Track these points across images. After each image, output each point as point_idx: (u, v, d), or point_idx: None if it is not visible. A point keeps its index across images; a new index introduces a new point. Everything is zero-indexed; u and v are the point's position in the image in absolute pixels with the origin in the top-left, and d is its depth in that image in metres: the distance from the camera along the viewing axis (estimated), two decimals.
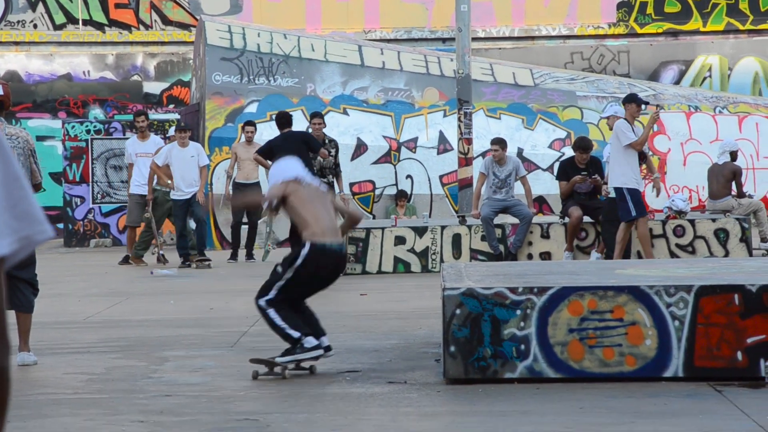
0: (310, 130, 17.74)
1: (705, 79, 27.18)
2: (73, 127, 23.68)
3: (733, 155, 18.28)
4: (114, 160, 23.47)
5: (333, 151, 17.39)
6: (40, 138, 25.80)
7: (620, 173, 15.14)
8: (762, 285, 7.82)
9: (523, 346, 7.82)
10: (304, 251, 8.47)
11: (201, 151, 18.47)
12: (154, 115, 26.75)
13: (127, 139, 20.85)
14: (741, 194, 18.24)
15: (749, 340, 7.75)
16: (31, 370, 9.02)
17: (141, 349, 9.99)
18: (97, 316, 12.48)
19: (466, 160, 18.39)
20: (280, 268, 8.60)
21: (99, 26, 27.36)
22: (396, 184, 23.00)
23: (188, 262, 18.02)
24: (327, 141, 17.49)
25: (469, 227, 17.04)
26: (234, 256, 19.07)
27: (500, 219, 17.08)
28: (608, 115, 16.23)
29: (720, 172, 17.68)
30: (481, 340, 7.83)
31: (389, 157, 23.05)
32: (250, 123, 19.55)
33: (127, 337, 10.82)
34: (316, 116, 17.95)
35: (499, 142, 17.09)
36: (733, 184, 18.25)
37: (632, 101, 15.31)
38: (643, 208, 15.34)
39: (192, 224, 18.62)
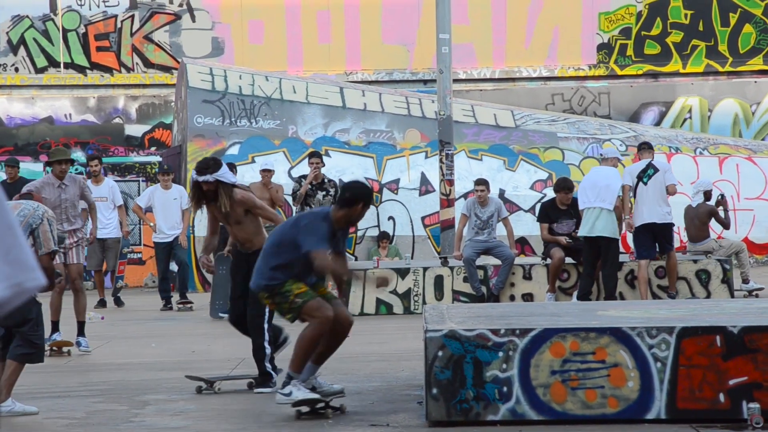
0: (308, 170, 18.02)
1: (685, 120, 27.31)
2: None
3: (707, 195, 18.28)
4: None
5: (332, 191, 17.62)
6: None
7: (667, 210, 16.18)
8: (744, 326, 7.83)
9: (505, 388, 7.81)
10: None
11: (184, 193, 18.44)
12: (136, 158, 26.74)
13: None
14: (727, 224, 18.30)
15: (731, 382, 7.75)
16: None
17: (122, 392, 9.93)
18: (78, 359, 12.41)
19: (448, 202, 18.40)
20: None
21: (80, 69, 27.37)
22: (378, 226, 23.00)
23: (170, 304, 17.97)
24: (326, 181, 17.84)
25: (452, 269, 17.04)
26: None
27: (482, 260, 17.09)
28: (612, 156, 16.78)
29: (695, 215, 17.73)
30: (464, 382, 7.81)
31: None
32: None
33: (108, 380, 10.76)
34: (314, 156, 18.15)
35: (484, 183, 17.15)
36: (711, 224, 18.27)
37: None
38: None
39: (174, 267, 18.57)
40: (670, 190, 16.29)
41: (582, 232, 16.11)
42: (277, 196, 19.35)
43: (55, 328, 12.75)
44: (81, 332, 12.72)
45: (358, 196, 8.52)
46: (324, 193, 17.79)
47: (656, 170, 16.30)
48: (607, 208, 15.95)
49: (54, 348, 12.49)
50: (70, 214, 12.92)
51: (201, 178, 9.66)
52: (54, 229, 9.50)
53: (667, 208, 16.22)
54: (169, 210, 18.09)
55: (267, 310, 9.60)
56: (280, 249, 8.49)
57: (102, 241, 18.10)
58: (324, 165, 18.13)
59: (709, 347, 7.78)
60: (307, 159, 18.78)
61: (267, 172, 17.73)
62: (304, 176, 18.05)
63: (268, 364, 9.76)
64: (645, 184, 16.25)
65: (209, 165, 9.75)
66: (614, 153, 16.99)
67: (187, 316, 17.27)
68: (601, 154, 17.08)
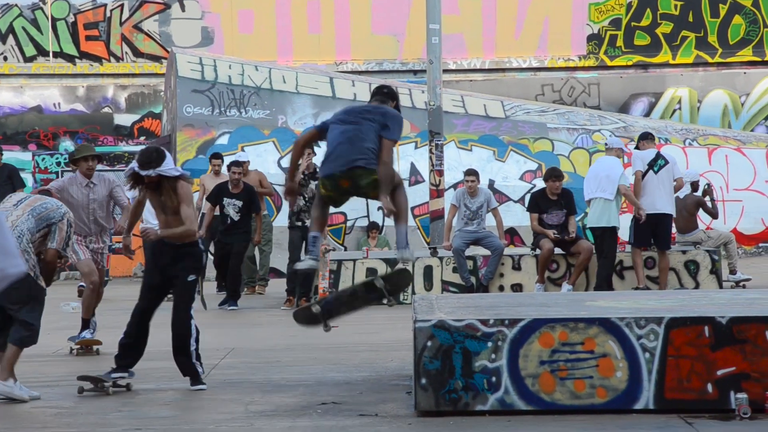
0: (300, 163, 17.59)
1: (675, 111, 27.34)
2: (44, 159, 23.62)
3: (694, 186, 18.31)
4: None
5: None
6: None
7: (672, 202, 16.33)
8: (732, 317, 7.84)
9: (494, 378, 7.82)
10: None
11: None
12: (125, 147, 26.69)
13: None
14: (715, 213, 18.38)
15: (719, 372, 7.77)
16: None
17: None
18: (67, 349, 12.39)
19: (437, 192, 18.40)
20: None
21: (70, 58, 27.32)
22: (368, 216, 22.99)
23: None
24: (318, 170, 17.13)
25: (441, 259, 17.05)
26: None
27: (471, 251, 17.10)
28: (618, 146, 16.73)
29: (683, 207, 17.76)
30: (453, 372, 7.82)
31: None
32: (217, 155, 19.39)
33: (97, 370, 10.74)
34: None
35: (474, 173, 17.18)
36: (700, 215, 18.31)
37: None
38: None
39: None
40: (679, 183, 16.47)
41: (587, 223, 16.32)
42: (266, 184, 19.23)
43: (86, 325, 12.26)
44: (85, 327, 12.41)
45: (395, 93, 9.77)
46: (317, 182, 17.48)
47: (666, 162, 16.40)
48: (606, 198, 16.00)
49: (82, 347, 12.12)
50: (98, 215, 12.15)
51: (144, 173, 9.32)
52: (71, 234, 9.48)
53: (673, 201, 16.41)
54: None
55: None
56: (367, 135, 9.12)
57: None
58: (315, 155, 17.87)
59: (698, 338, 7.79)
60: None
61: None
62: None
63: (195, 362, 9.57)
64: (656, 173, 16.32)
65: (152, 159, 9.39)
66: (619, 143, 17.07)
67: None
68: (606, 144, 17.09)
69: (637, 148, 16.97)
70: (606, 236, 16.08)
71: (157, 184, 9.38)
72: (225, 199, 17.00)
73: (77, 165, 12.27)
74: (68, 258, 11.09)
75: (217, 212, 17.17)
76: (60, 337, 13.43)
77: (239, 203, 16.95)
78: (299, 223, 16.41)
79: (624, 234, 17.20)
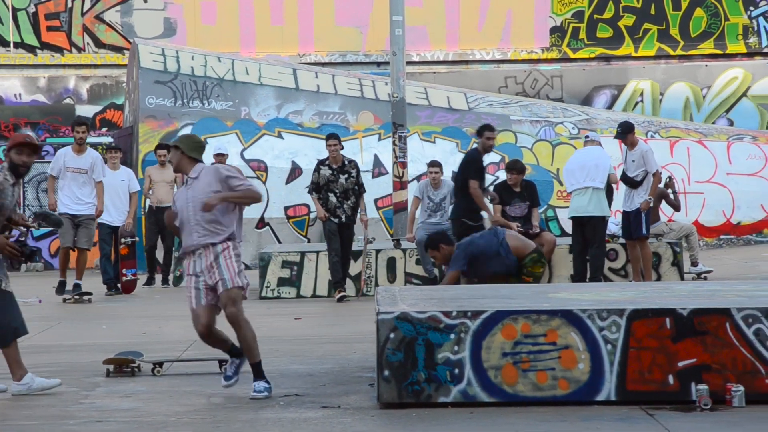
0: (325, 154, 16.58)
1: (637, 103, 27.44)
2: (4, 150, 23.42)
3: None
4: (46, 183, 23.21)
5: (354, 172, 16.14)
6: None
7: (643, 193, 16.04)
8: (693, 309, 7.88)
9: (457, 370, 7.83)
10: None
11: (132, 175, 18.19)
12: (87, 139, 26.50)
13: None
14: (677, 206, 18.44)
15: (680, 364, 7.81)
16: None
17: (72, 374, 9.87)
18: (27, 341, 12.31)
19: (401, 184, 18.39)
20: None
21: (30, 49, 27.13)
22: None
23: (114, 288, 17.72)
24: (347, 162, 16.18)
25: (404, 251, 17.05)
26: (150, 281, 18.90)
27: None
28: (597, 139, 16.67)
29: None
30: (415, 364, 7.83)
31: None
32: (163, 146, 19.28)
33: (58, 362, 10.69)
34: (332, 137, 16.24)
35: (438, 165, 17.20)
36: (662, 207, 18.38)
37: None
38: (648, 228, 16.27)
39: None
40: (612, 179, 16.48)
41: (570, 213, 16.20)
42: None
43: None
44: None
45: None
46: (346, 176, 16.14)
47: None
48: (598, 187, 16.00)
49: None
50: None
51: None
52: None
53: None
54: (116, 192, 17.63)
55: None
56: None
57: (74, 217, 16.39)
58: (342, 147, 16.30)
59: (659, 329, 7.83)
60: (324, 141, 16.61)
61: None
62: (323, 161, 16.28)
63: None
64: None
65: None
66: (598, 137, 17.16)
67: (138, 299, 17.18)
68: (587, 137, 16.99)
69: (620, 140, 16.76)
70: (600, 226, 16.04)
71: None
72: None
73: None
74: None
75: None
76: None
77: None
78: (336, 220, 16.01)
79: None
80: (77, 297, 16.45)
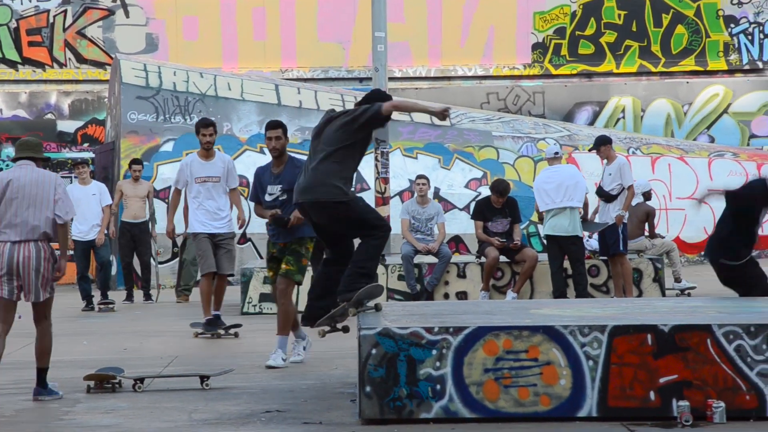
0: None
1: (618, 120, 27.52)
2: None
3: (647, 196, 18.51)
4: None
5: None
6: None
7: (619, 207, 16.10)
8: (674, 325, 7.89)
9: (438, 386, 7.82)
10: None
11: (103, 189, 18.07)
12: (68, 154, 26.48)
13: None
14: (653, 235, 18.44)
15: (662, 380, 7.81)
16: None
17: None
18: (8, 357, 12.25)
19: (383, 200, 18.39)
20: None
21: (12, 64, 27.09)
22: None
23: (91, 304, 17.69)
24: None
25: (387, 266, 17.06)
26: (129, 297, 18.85)
27: (418, 258, 17.14)
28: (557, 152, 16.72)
29: (634, 213, 17.85)
30: (397, 380, 7.82)
31: None
32: (137, 161, 19.34)
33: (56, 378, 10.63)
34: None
35: (426, 178, 17.49)
36: (647, 224, 18.44)
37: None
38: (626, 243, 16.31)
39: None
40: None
41: (547, 231, 16.23)
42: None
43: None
44: None
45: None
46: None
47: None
48: (575, 206, 16.06)
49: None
50: None
51: None
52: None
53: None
54: (88, 206, 17.60)
55: None
56: None
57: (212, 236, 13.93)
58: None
59: (641, 346, 7.84)
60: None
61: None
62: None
63: None
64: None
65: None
66: (561, 153, 17.31)
67: (118, 315, 17.13)
68: (556, 153, 16.85)
69: (597, 152, 16.78)
70: (580, 244, 16.15)
71: None
72: None
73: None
74: None
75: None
76: None
77: None
78: None
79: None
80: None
